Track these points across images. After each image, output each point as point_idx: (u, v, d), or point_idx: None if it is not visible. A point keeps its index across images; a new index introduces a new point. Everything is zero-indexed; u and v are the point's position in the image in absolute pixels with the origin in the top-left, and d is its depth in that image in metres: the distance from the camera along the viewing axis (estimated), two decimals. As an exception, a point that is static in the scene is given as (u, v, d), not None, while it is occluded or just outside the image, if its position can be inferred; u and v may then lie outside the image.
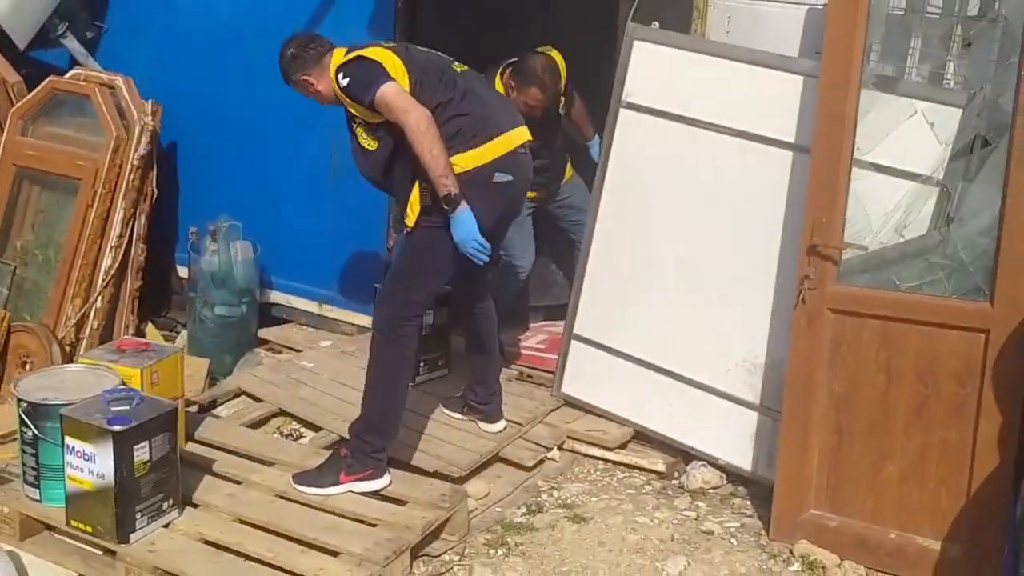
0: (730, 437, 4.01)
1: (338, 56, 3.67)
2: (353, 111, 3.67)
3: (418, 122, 3.48)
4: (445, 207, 3.53)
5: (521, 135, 3.76)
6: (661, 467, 4.14)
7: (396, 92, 3.51)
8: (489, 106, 3.74)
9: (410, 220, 3.67)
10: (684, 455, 4.16)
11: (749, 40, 4.02)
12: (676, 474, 4.14)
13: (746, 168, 3.90)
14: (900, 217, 3.57)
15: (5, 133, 5.46)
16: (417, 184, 3.61)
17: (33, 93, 5.48)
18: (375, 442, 3.68)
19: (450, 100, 3.62)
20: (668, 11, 4.19)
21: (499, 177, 3.64)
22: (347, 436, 4.02)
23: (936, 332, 3.34)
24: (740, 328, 3.94)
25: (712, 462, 4.07)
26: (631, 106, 4.17)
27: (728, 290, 3.97)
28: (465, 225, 3.57)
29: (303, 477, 3.70)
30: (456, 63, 3.80)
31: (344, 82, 3.57)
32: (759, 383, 3.93)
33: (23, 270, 5.33)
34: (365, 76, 3.55)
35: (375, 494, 3.66)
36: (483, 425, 4.23)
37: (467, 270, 3.82)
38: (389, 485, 3.70)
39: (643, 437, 4.27)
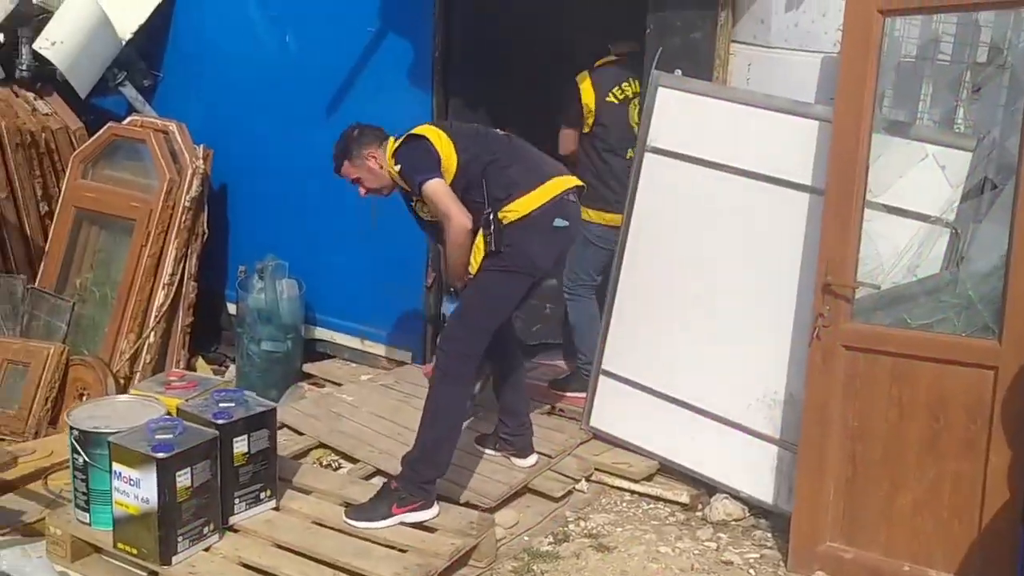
0: (752, 470, 4.11)
1: (391, 144, 4.00)
2: (408, 189, 3.96)
3: (456, 233, 3.81)
4: (450, 292, 3.94)
5: (568, 181, 3.97)
6: (685, 499, 4.25)
7: (442, 191, 3.82)
8: (533, 159, 4.02)
9: (473, 266, 3.87)
10: (708, 487, 4.27)
11: (769, 86, 4.17)
12: (700, 506, 4.24)
13: (765, 209, 4.03)
14: (912, 257, 3.68)
15: (67, 177, 5.77)
16: (480, 233, 3.83)
17: (93, 138, 5.80)
18: (427, 473, 3.82)
19: (497, 157, 3.89)
20: (690, 59, 4.35)
21: (559, 222, 3.88)
22: (382, 468, 4.21)
23: (946, 368, 3.43)
24: (760, 364, 4.05)
25: (734, 494, 4.17)
26: (656, 150, 4.33)
27: (749, 327, 4.09)
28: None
29: (355, 513, 3.82)
30: (499, 129, 4.12)
31: (398, 167, 3.91)
32: (779, 417, 4.03)
33: (81, 307, 5.59)
34: (415, 162, 3.88)
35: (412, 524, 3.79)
36: (515, 460, 4.35)
37: None
38: (437, 516, 3.83)
39: (668, 470, 4.38)
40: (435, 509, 3.84)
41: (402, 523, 3.77)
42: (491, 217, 3.81)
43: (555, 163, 4.10)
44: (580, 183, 4.06)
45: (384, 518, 3.77)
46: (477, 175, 3.87)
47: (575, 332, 5.00)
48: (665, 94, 4.30)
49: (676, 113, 4.28)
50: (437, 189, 3.80)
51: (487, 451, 4.42)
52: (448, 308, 4.08)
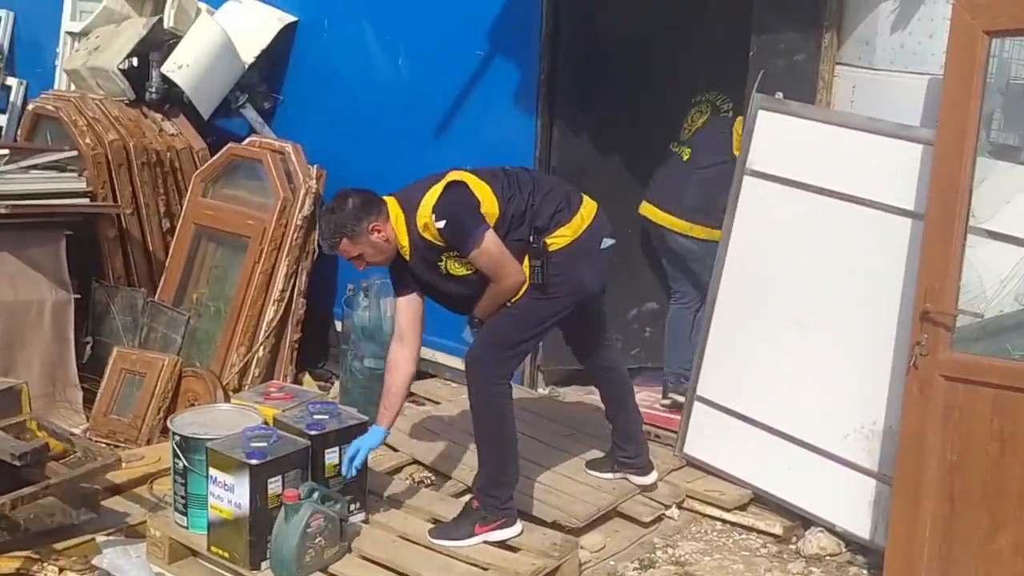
0: (848, 503, 4.00)
1: (395, 207, 3.73)
2: (442, 244, 3.71)
3: (514, 287, 3.71)
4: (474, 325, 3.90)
5: (594, 204, 3.94)
6: (778, 530, 4.16)
7: (496, 245, 3.63)
8: (555, 183, 3.96)
9: (517, 296, 3.80)
10: (803, 520, 4.16)
11: (874, 108, 4.08)
12: (794, 539, 4.14)
13: (866, 235, 3.93)
14: (1017, 285, 3.53)
15: (188, 194, 6.01)
16: (528, 262, 3.76)
17: (214, 158, 6.03)
18: (500, 495, 3.83)
19: (534, 190, 3.82)
20: (794, 81, 4.29)
21: (607, 243, 3.87)
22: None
23: (1052, 402, 3.28)
24: (858, 394, 3.95)
25: (830, 528, 4.05)
26: (755, 173, 4.27)
27: (847, 355, 3.99)
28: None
29: (440, 531, 3.85)
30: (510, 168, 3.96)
31: (440, 224, 3.62)
32: (877, 449, 3.91)
33: (197, 320, 5.79)
34: (464, 217, 3.63)
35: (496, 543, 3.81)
36: (636, 479, 4.30)
37: (587, 337, 4.09)
38: (521, 533, 3.84)
39: (762, 500, 4.29)
40: (518, 527, 3.84)
41: (485, 542, 3.79)
42: (537, 247, 3.73)
43: (576, 189, 3.99)
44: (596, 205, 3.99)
45: (467, 537, 3.79)
46: (520, 212, 3.73)
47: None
48: (765, 117, 4.24)
49: (776, 136, 4.21)
50: (489, 245, 3.62)
51: (604, 475, 4.35)
52: (470, 337, 4.06)
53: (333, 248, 3.75)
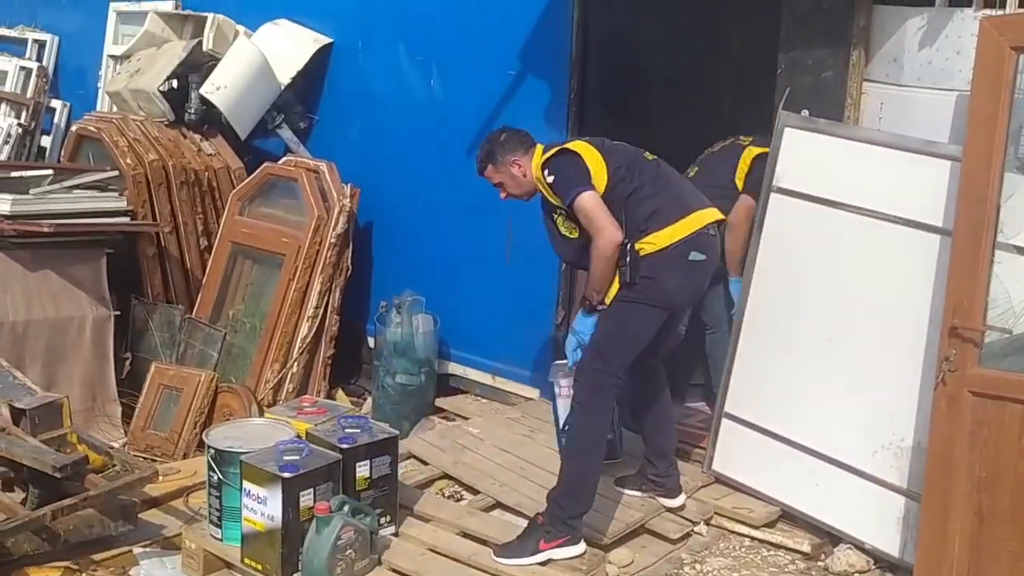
0: (877, 521, 3.99)
1: (539, 154, 4.01)
2: (555, 202, 3.96)
3: (606, 246, 3.80)
4: (584, 305, 3.99)
5: (710, 215, 3.96)
6: (807, 548, 4.15)
7: (594, 204, 3.82)
8: (677, 189, 4.01)
9: (609, 295, 3.90)
10: (831, 537, 4.15)
11: (902, 125, 4.09)
12: (822, 556, 4.13)
13: (894, 251, 3.94)
14: (1045, 301, 3.53)
15: (226, 213, 6.11)
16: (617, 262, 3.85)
17: (251, 177, 6.13)
18: (570, 508, 3.83)
19: (643, 185, 3.90)
20: (821, 98, 4.31)
21: (695, 256, 3.86)
22: (502, 501, 4.28)
23: (1080, 418, 3.27)
24: (886, 410, 3.94)
25: (859, 545, 4.04)
26: (782, 190, 4.29)
27: (875, 372, 3.98)
28: (585, 324, 4.01)
29: (504, 551, 3.85)
30: (647, 152, 4.07)
31: (550, 179, 3.90)
32: (906, 466, 3.90)
33: (232, 336, 5.89)
34: (568, 176, 3.88)
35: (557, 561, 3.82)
36: (663, 500, 4.29)
37: (653, 345, 4.05)
38: (585, 553, 3.86)
39: (790, 517, 4.29)
40: (582, 546, 3.85)
41: (549, 560, 3.80)
42: (628, 247, 3.81)
43: (699, 195, 4.06)
44: (722, 217, 4.05)
45: (532, 553, 3.81)
46: (621, 200, 3.86)
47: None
48: (792, 134, 4.26)
49: (803, 153, 4.23)
50: (591, 202, 3.80)
51: (633, 493, 4.36)
52: (579, 323, 4.07)
53: (481, 172, 4.13)
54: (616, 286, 3.86)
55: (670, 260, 3.82)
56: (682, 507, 4.31)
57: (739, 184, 4.78)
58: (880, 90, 4.24)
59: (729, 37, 5.41)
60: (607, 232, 3.78)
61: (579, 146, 3.96)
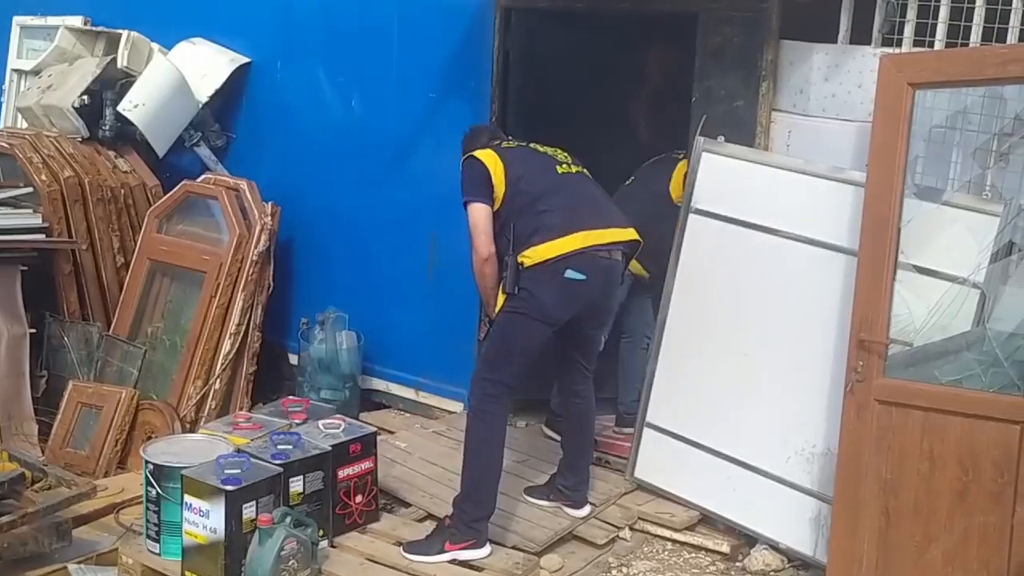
0: (791, 522, 4.25)
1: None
2: None
3: (476, 261, 4.11)
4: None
5: (611, 235, 4.07)
6: (725, 549, 4.39)
7: (478, 219, 4.07)
8: (578, 204, 4.10)
9: (497, 305, 4.12)
10: (748, 538, 4.41)
11: (808, 152, 4.40)
12: (740, 556, 4.38)
13: (804, 270, 4.22)
14: (942, 316, 3.83)
15: (143, 230, 6.09)
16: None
17: (169, 195, 6.11)
18: (472, 511, 4.01)
19: (539, 198, 4.05)
20: (734, 126, 4.59)
21: (571, 274, 3.96)
22: (433, 512, 4.41)
23: (975, 423, 3.58)
24: (799, 418, 4.22)
25: (774, 546, 4.30)
26: (699, 212, 4.54)
27: (788, 383, 4.25)
28: None
29: (412, 547, 4.03)
30: (566, 165, 4.24)
31: (461, 178, 4.18)
32: (817, 470, 4.18)
33: (152, 353, 5.85)
34: (467, 181, 4.13)
35: (462, 562, 3.99)
36: (569, 510, 4.47)
37: (563, 359, 4.27)
38: (490, 555, 4.02)
39: (710, 520, 4.53)
40: (487, 549, 4.02)
41: (454, 560, 3.96)
42: (511, 258, 3.98)
43: (611, 214, 4.16)
44: (634, 238, 4.14)
45: (437, 553, 3.97)
46: (515, 210, 4.05)
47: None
48: (709, 159, 4.53)
49: (719, 177, 4.50)
50: (475, 215, 4.07)
51: (540, 502, 4.52)
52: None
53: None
54: (503, 297, 4.06)
55: (546, 275, 3.96)
56: (588, 517, 4.47)
57: (672, 194, 5.01)
58: (788, 119, 4.54)
59: (647, 65, 5.65)
60: (477, 249, 4.06)
61: (485, 155, 4.14)
